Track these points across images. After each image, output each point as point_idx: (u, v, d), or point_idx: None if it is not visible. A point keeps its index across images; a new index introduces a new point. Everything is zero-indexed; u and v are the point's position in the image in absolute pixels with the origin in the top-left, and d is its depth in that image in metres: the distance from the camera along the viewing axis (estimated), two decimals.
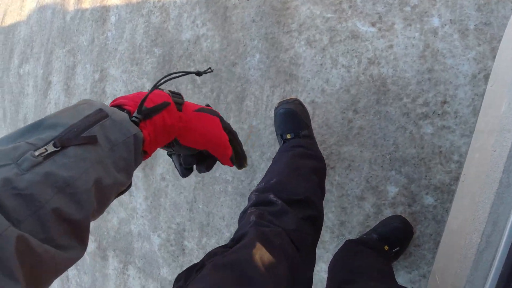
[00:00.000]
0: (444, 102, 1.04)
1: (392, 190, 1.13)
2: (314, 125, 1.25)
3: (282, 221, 0.70)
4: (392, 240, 1.04)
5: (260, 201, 0.78)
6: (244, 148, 1.44)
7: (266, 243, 0.61)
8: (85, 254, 2.20)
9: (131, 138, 0.40)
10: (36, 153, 0.32)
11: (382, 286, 0.78)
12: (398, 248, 1.04)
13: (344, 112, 1.21)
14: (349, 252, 1.02)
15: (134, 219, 1.87)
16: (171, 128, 0.46)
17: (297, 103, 1.20)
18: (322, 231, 1.25)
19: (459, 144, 1.02)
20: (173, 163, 0.58)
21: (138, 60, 1.80)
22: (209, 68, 0.52)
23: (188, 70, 0.49)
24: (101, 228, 2.07)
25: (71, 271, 2.37)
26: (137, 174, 1.80)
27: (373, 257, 0.99)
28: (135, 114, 0.42)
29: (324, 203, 1.24)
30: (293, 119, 1.16)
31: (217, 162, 0.57)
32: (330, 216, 1.24)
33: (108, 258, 2.07)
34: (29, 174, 0.31)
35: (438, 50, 1.04)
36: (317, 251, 1.27)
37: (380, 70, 1.13)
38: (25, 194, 0.30)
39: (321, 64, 1.25)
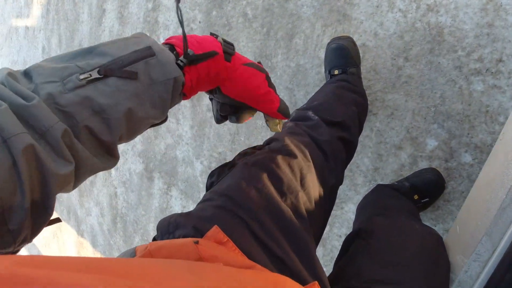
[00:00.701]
0: (500, 60, 1.00)
1: (432, 143, 1.15)
2: (361, 69, 1.26)
3: (316, 132, 0.74)
4: (423, 190, 1.08)
5: (298, 117, 0.82)
6: (289, 86, 1.48)
7: (296, 149, 0.66)
8: (133, 174, 2.43)
9: (171, 80, 0.43)
10: (81, 77, 0.37)
11: (412, 222, 0.83)
12: (427, 199, 1.09)
13: (395, 59, 1.20)
14: (380, 193, 1.08)
15: (180, 146, 2.02)
16: (215, 76, 0.49)
17: (350, 40, 1.22)
18: (355, 174, 1.32)
19: (507, 106, 1.01)
20: (212, 106, 0.61)
21: None
22: None
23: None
24: (149, 151, 2.25)
25: (119, 189, 2.63)
26: (185, 104, 1.92)
27: (404, 201, 1.05)
28: (181, 58, 0.45)
29: (361, 147, 1.29)
30: (343, 55, 1.18)
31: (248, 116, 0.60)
32: (365, 160, 1.29)
33: (154, 179, 2.28)
34: (71, 94, 0.35)
35: (501, 5, 0.99)
36: (348, 192, 1.35)
37: (438, 18, 1.09)
38: (64, 110, 0.35)
39: (377, 6, 1.23)
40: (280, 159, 0.62)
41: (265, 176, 0.58)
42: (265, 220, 0.52)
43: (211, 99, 0.60)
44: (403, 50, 1.18)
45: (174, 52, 0.45)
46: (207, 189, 0.65)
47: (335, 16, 1.34)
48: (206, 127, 1.86)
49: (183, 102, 1.93)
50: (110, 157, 0.41)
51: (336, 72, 1.18)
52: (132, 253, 0.43)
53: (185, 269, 0.32)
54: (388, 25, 1.21)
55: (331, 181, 0.70)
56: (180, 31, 1.86)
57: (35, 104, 0.32)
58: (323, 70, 1.39)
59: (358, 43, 1.27)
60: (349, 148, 0.82)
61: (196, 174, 1.98)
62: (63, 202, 3.52)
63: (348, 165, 1.32)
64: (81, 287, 0.22)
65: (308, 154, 0.66)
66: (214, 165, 1.86)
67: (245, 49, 1.62)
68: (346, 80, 1.07)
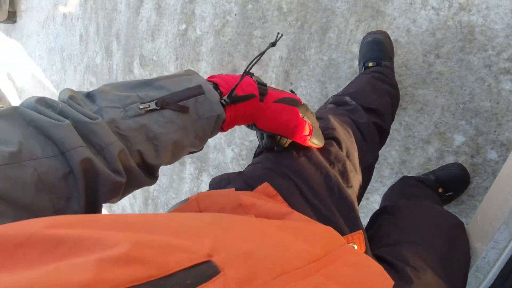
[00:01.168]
0: None
1: (459, 139, 1.20)
2: (393, 64, 1.32)
3: (354, 115, 0.80)
4: (448, 184, 1.15)
5: (336, 101, 0.87)
6: (321, 79, 1.56)
7: (340, 126, 0.72)
8: None
9: (215, 116, 0.49)
10: (141, 106, 0.42)
11: (436, 205, 0.90)
12: (451, 193, 1.16)
13: (426, 55, 1.26)
14: (406, 183, 1.16)
15: None
16: (249, 115, 0.55)
17: (386, 35, 1.29)
18: (382, 166, 1.39)
19: None
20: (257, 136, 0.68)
21: None
22: (279, 33, 0.59)
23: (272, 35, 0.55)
24: None
25: None
26: None
27: (428, 191, 1.12)
28: (225, 97, 0.51)
29: (389, 140, 1.36)
30: (378, 48, 1.25)
31: None
32: (393, 153, 1.36)
33: (186, 164, 2.41)
34: (130, 120, 0.41)
35: None
36: (374, 184, 1.42)
37: (470, 17, 1.14)
38: (122, 134, 0.40)
39: (411, 3, 1.28)
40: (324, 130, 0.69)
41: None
42: (313, 181, 0.58)
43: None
44: (434, 47, 1.24)
45: (218, 91, 0.52)
46: (254, 156, 0.72)
47: (369, 12, 1.40)
48: None
49: None
50: (151, 177, 0.46)
51: (370, 64, 1.25)
52: (185, 200, 0.50)
53: (211, 223, 0.34)
54: (421, 22, 1.26)
55: (369, 159, 0.76)
56: (216, 22, 1.96)
57: (98, 123, 0.38)
58: (355, 64, 1.46)
59: (391, 38, 1.33)
60: (382, 135, 0.88)
61: (227, 161, 2.09)
62: None
63: None
64: (106, 244, 0.24)
65: (350, 131, 0.73)
66: (245, 153, 1.96)
67: (279, 42, 1.70)
68: (380, 72, 1.13)
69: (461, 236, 0.81)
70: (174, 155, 0.48)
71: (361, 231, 0.54)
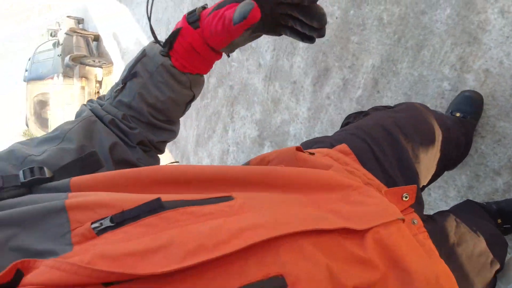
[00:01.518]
0: None
1: None
2: (481, 92, 1.42)
3: (439, 115, 0.90)
4: (508, 217, 1.25)
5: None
6: (408, 93, 1.69)
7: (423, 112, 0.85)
8: (247, 138, 2.85)
9: (160, 66, 0.58)
10: (115, 91, 0.61)
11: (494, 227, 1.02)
12: (509, 225, 1.26)
13: None
14: (467, 205, 1.28)
15: (294, 123, 2.36)
16: (194, 47, 0.56)
17: (481, 97, 1.42)
18: (449, 187, 1.51)
19: None
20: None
21: None
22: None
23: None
24: (266, 122, 2.63)
25: (232, 147, 3.09)
26: (307, 88, 2.22)
27: (487, 217, 1.24)
28: (161, 48, 0.59)
29: (461, 164, 1.47)
30: (471, 104, 1.40)
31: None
32: (462, 177, 1.47)
33: (264, 146, 2.67)
34: (114, 102, 0.61)
35: None
36: (439, 202, 1.55)
37: None
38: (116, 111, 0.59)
39: (508, 37, 1.36)
40: (412, 110, 0.85)
41: (393, 121, 0.76)
42: (387, 149, 0.69)
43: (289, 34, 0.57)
44: None
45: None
46: (341, 127, 0.87)
47: (466, 38, 1.49)
48: (322, 112, 2.15)
49: (305, 86, 2.23)
50: (163, 131, 0.64)
51: (457, 114, 1.39)
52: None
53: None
54: None
55: (447, 148, 0.87)
56: None
57: (106, 105, 0.60)
58: (443, 84, 1.57)
59: (482, 67, 1.42)
60: (460, 149, 1.02)
61: None
62: (180, 147, 4.16)
63: (445, 177, 1.51)
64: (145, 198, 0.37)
65: (434, 120, 0.84)
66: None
67: (374, 50, 1.84)
68: (463, 122, 1.27)
69: (502, 246, 0.92)
70: (159, 110, 0.61)
71: (415, 186, 0.61)
